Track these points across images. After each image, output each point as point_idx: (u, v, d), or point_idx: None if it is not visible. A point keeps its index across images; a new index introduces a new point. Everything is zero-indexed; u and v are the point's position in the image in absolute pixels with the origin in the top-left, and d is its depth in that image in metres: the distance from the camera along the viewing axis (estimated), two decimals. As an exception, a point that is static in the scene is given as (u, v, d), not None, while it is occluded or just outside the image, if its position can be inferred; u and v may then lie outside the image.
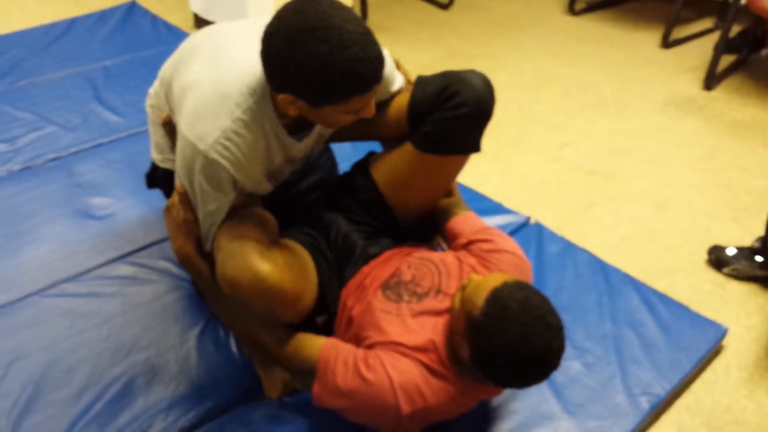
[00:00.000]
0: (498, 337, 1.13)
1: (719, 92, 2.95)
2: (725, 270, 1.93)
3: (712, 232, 2.10)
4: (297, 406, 1.45)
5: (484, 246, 1.44)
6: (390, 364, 1.24)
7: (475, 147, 1.46)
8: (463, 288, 1.25)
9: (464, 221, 1.55)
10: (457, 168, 1.52)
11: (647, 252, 2.02)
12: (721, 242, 2.01)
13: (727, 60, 3.08)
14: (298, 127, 1.37)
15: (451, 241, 1.54)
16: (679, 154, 2.52)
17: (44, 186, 2.08)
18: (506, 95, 2.92)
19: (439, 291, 1.36)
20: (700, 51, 3.31)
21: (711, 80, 2.97)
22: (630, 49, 3.38)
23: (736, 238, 2.06)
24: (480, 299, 1.16)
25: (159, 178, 1.62)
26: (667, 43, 3.38)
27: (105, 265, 1.80)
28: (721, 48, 2.93)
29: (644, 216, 2.19)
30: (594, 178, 2.38)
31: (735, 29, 3.01)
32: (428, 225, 1.62)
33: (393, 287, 1.38)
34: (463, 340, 1.19)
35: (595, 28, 3.61)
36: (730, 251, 1.93)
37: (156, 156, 1.59)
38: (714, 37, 3.17)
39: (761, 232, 1.90)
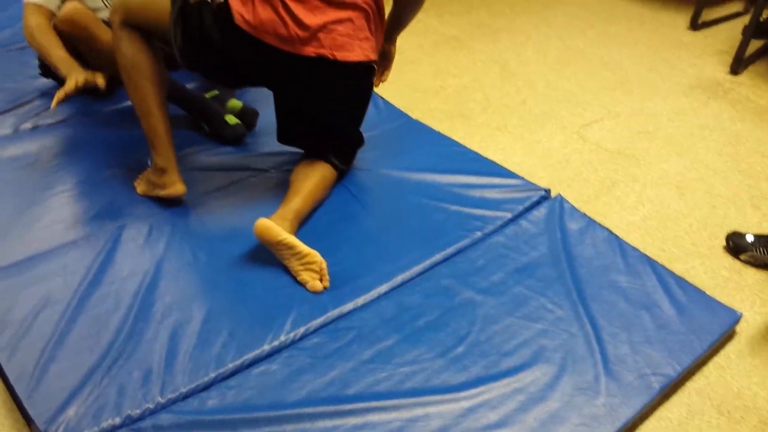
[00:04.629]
0: None
1: (746, 77, 2.93)
2: (743, 256, 1.94)
3: (732, 218, 2.11)
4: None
5: None
6: None
7: None
8: None
9: None
10: None
11: (666, 234, 2.04)
12: (740, 228, 2.02)
13: (755, 44, 3.05)
14: None
15: None
16: (702, 138, 2.51)
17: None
18: (532, 71, 2.91)
19: None
20: (728, 34, 3.28)
21: (738, 64, 2.95)
22: (658, 29, 3.36)
23: (754, 225, 2.07)
24: None
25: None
26: (695, 25, 3.35)
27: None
28: (750, 32, 2.90)
29: (665, 198, 2.20)
30: (617, 158, 2.38)
31: (765, 13, 2.98)
32: None
33: None
34: None
35: (624, 7, 3.58)
36: (749, 238, 1.94)
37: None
38: (743, 21, 3.13)
39: (781, 221, 1.91)
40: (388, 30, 1.95)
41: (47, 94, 2.33)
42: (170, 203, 1.91)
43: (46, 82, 2.38)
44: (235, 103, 2.21)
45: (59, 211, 1.86)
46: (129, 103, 2.25)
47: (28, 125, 2.19)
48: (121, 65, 1.82)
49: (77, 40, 2.01)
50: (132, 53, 1.79)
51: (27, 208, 1.86)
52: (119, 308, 1.59)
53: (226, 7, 1.67)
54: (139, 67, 1.80)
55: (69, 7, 1.98)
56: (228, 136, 2.16)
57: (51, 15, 2.04)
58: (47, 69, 2.27)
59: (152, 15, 1.75)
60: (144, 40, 1.80)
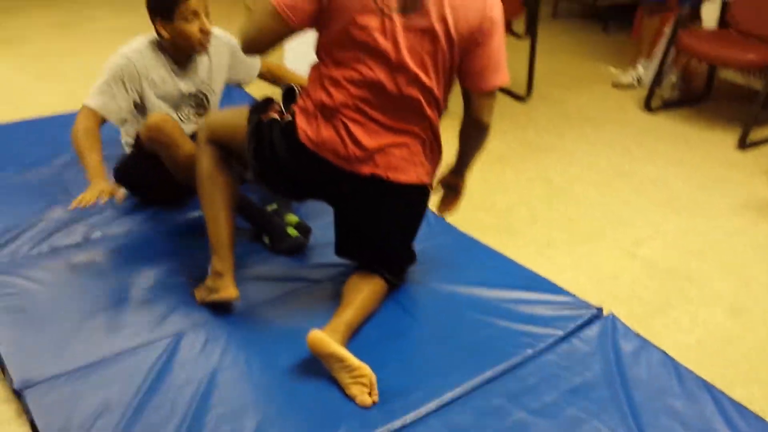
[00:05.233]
0: None
1: (798, 197, 2.93)
2: (805, 383, 1.88)
3: (791, 342, 2.06)
4: None
5: None
6: None
7: None
8: None
9: None
10: None
11: (723, 358, 1.99)
12: (800, 353, 1.97)
13: (806, 165, 3.06)
14: (184, 64, 2.32)
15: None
16: (756, 259, 2.49)
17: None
18: (579, 188, 2.96)
19: None
20: (778, 154, 3.31)
21: (789, 185, 2.95)
22: (705, 148, 3.40)
23: (816, 351, 2.02)
24: None
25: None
26: (743, 144, 3.39)
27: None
28: (800, 153, 2.92)
29: (720, 320, 2.16)
30: (668, 277, 2.37)
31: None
32: None
33: None
34: None
35: (670, 126, 3.65)
36: (811, 364, 1.89)
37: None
38: (793, 142, 3.16)
39: (844, 347, 1.85)
40: (457, 164, 2.05)
41: (117, 205, 2.47)
42: (226, 311, 1.97)
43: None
44: (291, 217, 2.30)
45: (122, 319, 1.93)
46: (196, 214, 2.39)
47: (97, 234, 2.31)
48: (198, 175, 1.99)
49: (159, 145, 2.16)
50: (211, 166, 1.97)
51: (92, 315, 1.93)
52: (174, 417, 1.61)
53: (292, 125, 1.81)
54: (215, 179, 1.97)
55: (156, 115, 2.19)
56: (289, 248, 2.24)
57: (102, 122, 2.21)
58: (120, 176, 2.41)
59: (233, 135, 1.93)
60: (223, 158, 1.98)
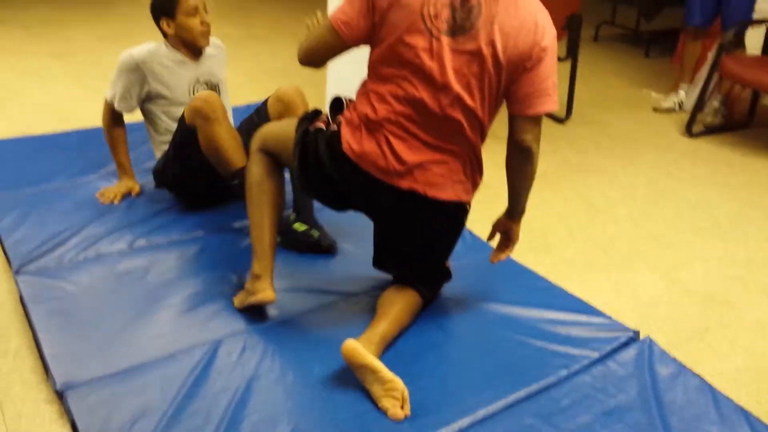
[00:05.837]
0: None
1: (844, 226, 2.86)
2: None
3: (835, 373, 2.01)
4: None
5: None
6: None
7: None
8: None
9: None
10: None
11: (762, 386, 1.95)
12: (844, 385, 1.92)
13: None
14: (194, 56, 2.57)
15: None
16: (799, 287, 2.44)
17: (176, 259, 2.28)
18: (619, 209, 2.94)
19: None
20: (824, 182, 3.24)
21: (835, 213, 2.89)
22: (747, 174, 3.35)
23: None
24: None
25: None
26: (788, 172, 3.33)
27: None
28: None
29: (760, 348, 2.12)
30: (708, 303, 2.33)
31: None
32: None
33: None
34: None
35: (712, 150, 3.61)
36: None
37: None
38: (840, 170, 3.10)
39: None
40: (509, 205, 2.02)
41: (162, 213, 2.55)
42: (262, 315, 2.01)
43: (161, 201, 2.60)
44: (314, 231, 2.35)
45: (163, 325, 1.97)
46: (238, 224, 2.47)
47: (142, 242, 2.37)
48: (248, 181, 2.05)
49: (201, 118, 2.27)
50: (260, 173, 2.03)
51: (134, 320, 1.98)
52: (209, 423, 1.64)
53: (337, 135, 1.86)
54: (263, 186, 2.02)
55: (205, 92, 2.34)
56: (297, 244, 2.35)
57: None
58: (161, 179, 2.57)
59: (283, 145, 1.99)
60: (273, 167, 2.04)
